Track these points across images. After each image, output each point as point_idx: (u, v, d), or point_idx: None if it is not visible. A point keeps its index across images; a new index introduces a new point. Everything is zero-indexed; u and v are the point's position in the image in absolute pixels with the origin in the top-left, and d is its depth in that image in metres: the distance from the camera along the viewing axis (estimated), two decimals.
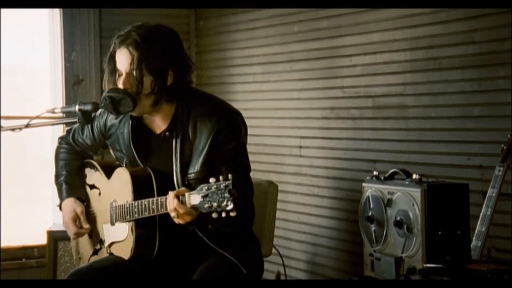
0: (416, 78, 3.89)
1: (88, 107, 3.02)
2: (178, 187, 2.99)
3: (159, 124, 3.10)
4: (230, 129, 3.02)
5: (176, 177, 3.02)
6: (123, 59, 2.97)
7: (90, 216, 3.29)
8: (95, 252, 3.29)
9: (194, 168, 3.01)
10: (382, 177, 3.38)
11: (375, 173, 3.41)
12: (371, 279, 3.34)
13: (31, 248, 5.03)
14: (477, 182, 3.52)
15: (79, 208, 3.26)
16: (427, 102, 3.84)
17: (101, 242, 3.24)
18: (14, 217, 4.98)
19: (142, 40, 2.95)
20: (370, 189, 3.38)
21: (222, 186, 2.70)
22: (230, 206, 2.69)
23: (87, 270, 3.06)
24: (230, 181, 2.70)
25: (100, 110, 3.16)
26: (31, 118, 3.07)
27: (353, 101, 4.26)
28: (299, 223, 4.66)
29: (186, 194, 2.81)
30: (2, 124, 3.08)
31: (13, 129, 3.07)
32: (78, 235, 3.29)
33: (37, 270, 4.94)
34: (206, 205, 2.73)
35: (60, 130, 5.06)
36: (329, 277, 4.46)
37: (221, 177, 2.72)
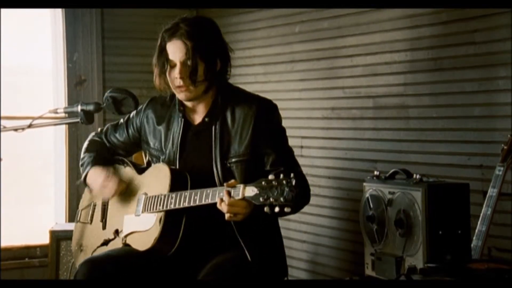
0: (417, 79, 3.90)
1: (90, 107, 3.03)
2: (217, 172, 3.07)
3: (199, 113, 3.19)
4: (271, 115, 3.15)
5: (215, 161, 3.09)
6: (177, 49, 3.07)
7: (110, 209, 3.30)
8: (105, 243, 3.27)
9: (236, 152, 3.09)
10: (383, 177, 3.38)
11: (376, 173, 3.42)
12: (372, 278, 3.34)
13: (34, 247, 5.04)
14: (478, 182, 3.52)
15: (110, 170, 3.26)
16: (428, 102, 3.85)
17: (117, 232, 3.24)
18: (17, 217, 5.00)
19: (193, 31, 3.07)
20: (371, 188, 3.39)
21: (284, 182, 2.75)
22: (290, 202, 2.73)
23: (104, 259, 3.06)
24: (294, 179, 2.74)
25: (138, 108, 3.24)
26: (33, 118, 3.09)
27: (354, 101, 4.27)
28: (300, 223, 4.67)
29: (241, 186, 2.84)
30: (4, 125, 3.09)
31: (15, 129, 3.09)
32: (117, 191, 3.23)
33: (40, 269, 4.95)
34: (261, 198, 2.76)
35: (62, 130, 5.09)
36: (330, 276, 4.47)
37: (281, 175, 2.77)
